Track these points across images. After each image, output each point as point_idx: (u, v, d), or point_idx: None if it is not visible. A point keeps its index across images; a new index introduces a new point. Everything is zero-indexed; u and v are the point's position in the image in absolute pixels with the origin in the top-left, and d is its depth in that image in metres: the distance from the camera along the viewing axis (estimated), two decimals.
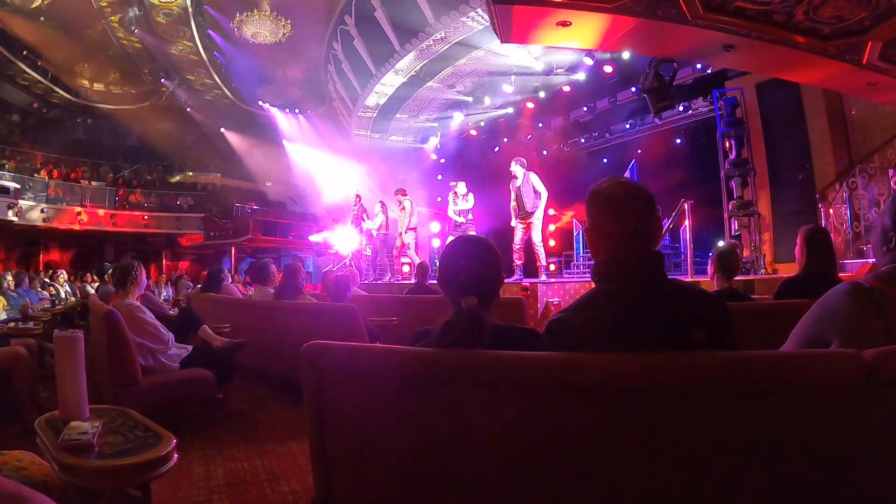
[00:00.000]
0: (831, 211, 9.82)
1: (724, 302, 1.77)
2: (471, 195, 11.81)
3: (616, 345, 1.58)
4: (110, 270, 9.54)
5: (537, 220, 10.07)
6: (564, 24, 6.66)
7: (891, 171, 8.91)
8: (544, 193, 10.05)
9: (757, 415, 1.44)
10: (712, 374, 1.45)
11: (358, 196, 14.64)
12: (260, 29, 19.64)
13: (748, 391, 1.45)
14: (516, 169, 10.21)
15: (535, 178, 10.11)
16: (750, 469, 1.43)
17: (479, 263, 1.97)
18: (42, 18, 19.42)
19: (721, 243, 11.02)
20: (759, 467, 1.42)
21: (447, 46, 14.17)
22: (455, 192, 11.84)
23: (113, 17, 19.84)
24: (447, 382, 1.72)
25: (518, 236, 10.29)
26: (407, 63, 15.26)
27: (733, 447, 1.45)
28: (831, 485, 1.43)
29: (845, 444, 1.43)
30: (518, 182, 10.12)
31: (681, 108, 14.62)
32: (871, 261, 7.66)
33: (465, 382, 1.68)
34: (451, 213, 11.95)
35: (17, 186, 21.05)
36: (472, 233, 11.28)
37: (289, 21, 19.48)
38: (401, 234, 13.06)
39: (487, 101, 17.09)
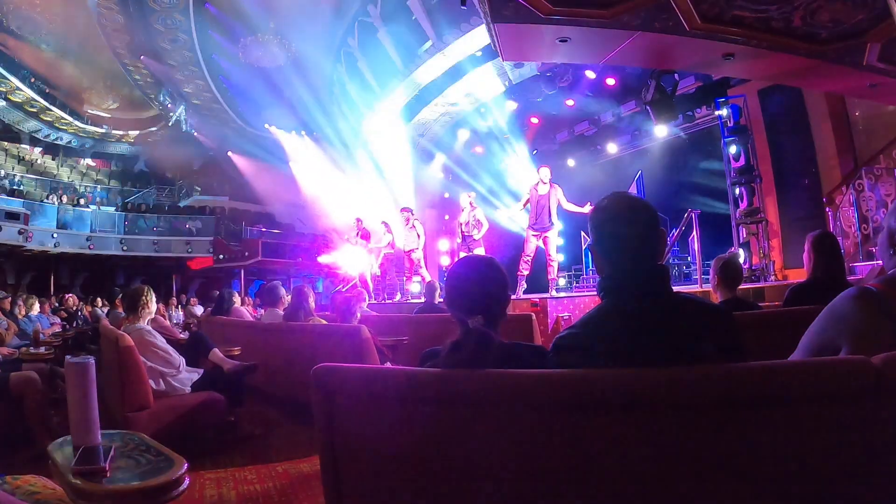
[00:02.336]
0: (839, 214, 9.79)
1: (730, 313, 1.76)
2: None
3: (623, 361, 1.58)
4: (120, 295, 9.59)
5: (554, 235, 9.99)
6: (564, 39, 6.70)
7: None
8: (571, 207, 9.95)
9: (767, 425, 1.44)
10: (720, 386, 1.45)
11: (359, 220, 14.65)
12: (265, 52, 19.86)
13: (758, 402, 1.45)
14: (546, 175, 10.07)
15: (561, 194, 9.97)
16: (761, 480, 1.43)
17: (485, 282, 1.98)
18: (49, 46, 19.65)
19: (736, 251, 11.03)
20: (770, 478, 1.42)
21: (450, 64, 14.22)
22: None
23: (119, 45, 20.06)
24: (455, 402, 1.72)
25: (531, 247, 10.15)
26: (410, 83, 15.31)
27: (743, 459, 1.44)
28: (842, 493, 1.43)
29: (856, 450, 1.42)
30: (544, 190, 9.99)
31: (684, 118, 14.61)
32: (881, 263, 7.59)
33: (473, 402, 1.68)
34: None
35: (28, 212, 21.19)
36: (481, 250, 11.26)
37: (293, 44, 19.69)
38: (410, 252, 13.05)
39: (491, 117, 17.09)
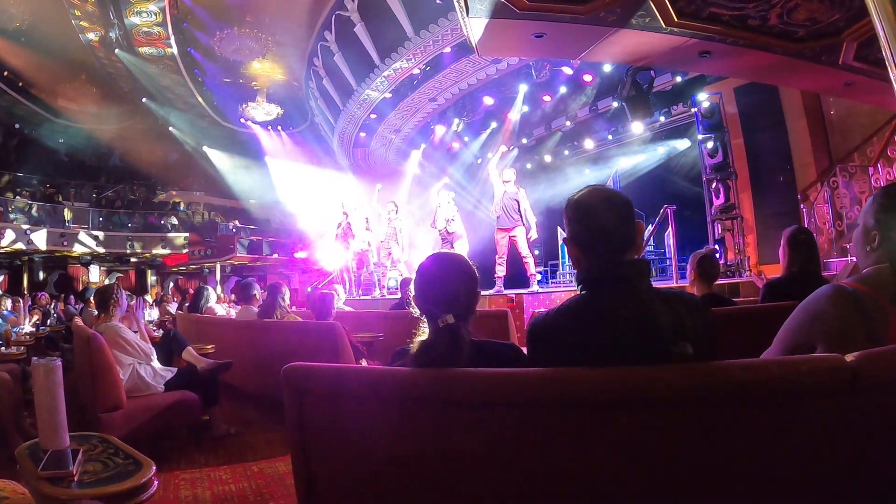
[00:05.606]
0: (814, 211, 9.89)
1: (707, 309, 1.74)
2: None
3: (600, 354, 1.57)
4: (92, 294, 9.47)
5: (521, 233, 10.02)
6: (540, 35, 6.69)
7: (871, 169, 8.97)
8: (530, 214, 10.06)
9: (743, 424, 1.44)
10: (697, 384, 1.44)
11: (346, 214, 14.57)
12: (241, 46, 19.76)
13: (733, 401, 1.45)
14: (511, 175, 10.19)
15: (523, 195, 10.09)
16: (737, 478, 1.43)
17: (454, 281, 1.96)
18: (22, 39, 19.33)
19: (713, 247, 11.12)
20: (746, 476, 1.42)
21: (427, 59, 14.17)
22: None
23: (93, 38, 19.80)
24: (426, 401, 1.71)
25: (501, 247, 10.22)
26: (387, 79, 15.24)
27: (719, 457, 1.44)
28: (820, 488, 1.43)
29: (831, 448, 1.43)
30: (510, 190, 10.07)
31: (661, 114, 14.67)
32: (854, 259, 7.66)
33: (444, 401, 1.67)
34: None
35: (0, 209, 20.87)
36: (463, 242, 11.27)
37: (269, 37, 19.56)
38: (391, 248, 13.05)
39: (468, 113, 17.04)
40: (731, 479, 1.43)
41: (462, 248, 11.08)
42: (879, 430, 1.43)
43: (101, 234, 24.32)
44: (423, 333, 1.90)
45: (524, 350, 1.89)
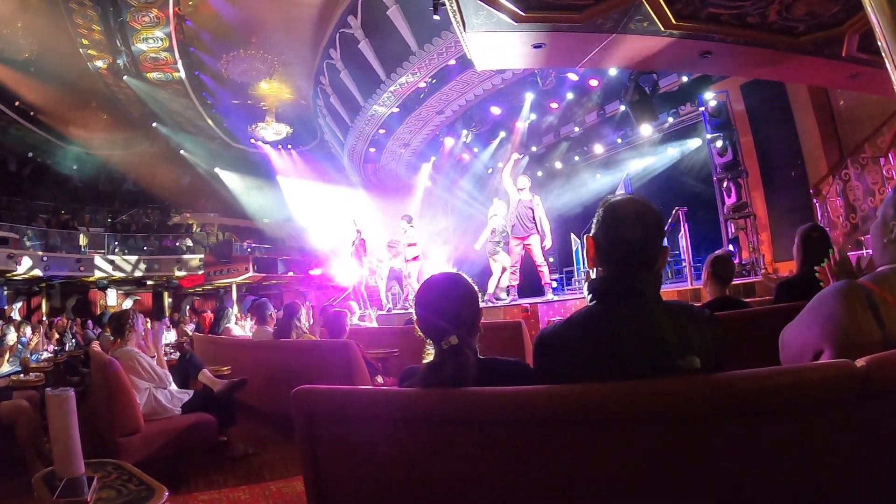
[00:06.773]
0: (827, 205, 9.79)
1: (716, 321, 1.72)
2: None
3: (604, 368, 1.57)
4: (108, 318, 9.57)
5: (535, 242, 9.97)
6: (539, 45, 6.68)
7: (882, 160, 8.86)
8: (545, 222, 9.99)
9: (755, 434, 1.43)
10: (705, 397, 1.43)
11: (359, 231, 14.57)
12: (248, 67, 19.93)
13: (741, 412, 1.44)
14: (526, 183, 10.14)
15: (538, 203, 10.04)
16: (748, 490, 1.42)
17: (454, 301, 1.95)
18: (31, 69, 19.57)
19: (730, 249, 11.05)
20: (756, 488, 1.41)
21: (433, 72, 14.22)
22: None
23: (102, 66, 20.02)
24: (434, 421, 1.71)
25: (515, 256, 10.18)
26: (394, 93, 15.29)
27: (729, 470, 1.44)
28: (833, 496, 1.42)
29: (841, 455, 1.42)
30: (524, 198, 10.03)
31: (669, 115, 14.62)
32: (868, 252, 7.56)
33: (451, 420, 1.67)
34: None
35: (16, 236, 21.05)
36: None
37: (276, 58, 19.70)
38: (405, 263, 13.05)
39: (477, 124, 17.04)
40: (740, 493, 1.42)
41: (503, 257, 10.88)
42: (892, 437, 1.41)
43: (116, 259, 24.48)
44: (430, 355, 1.90)
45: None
